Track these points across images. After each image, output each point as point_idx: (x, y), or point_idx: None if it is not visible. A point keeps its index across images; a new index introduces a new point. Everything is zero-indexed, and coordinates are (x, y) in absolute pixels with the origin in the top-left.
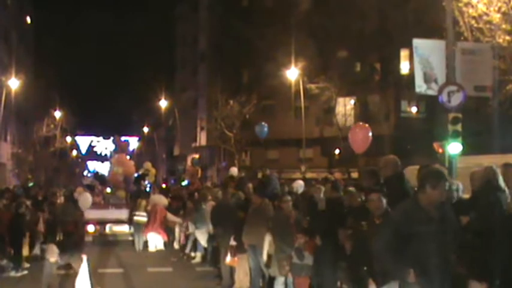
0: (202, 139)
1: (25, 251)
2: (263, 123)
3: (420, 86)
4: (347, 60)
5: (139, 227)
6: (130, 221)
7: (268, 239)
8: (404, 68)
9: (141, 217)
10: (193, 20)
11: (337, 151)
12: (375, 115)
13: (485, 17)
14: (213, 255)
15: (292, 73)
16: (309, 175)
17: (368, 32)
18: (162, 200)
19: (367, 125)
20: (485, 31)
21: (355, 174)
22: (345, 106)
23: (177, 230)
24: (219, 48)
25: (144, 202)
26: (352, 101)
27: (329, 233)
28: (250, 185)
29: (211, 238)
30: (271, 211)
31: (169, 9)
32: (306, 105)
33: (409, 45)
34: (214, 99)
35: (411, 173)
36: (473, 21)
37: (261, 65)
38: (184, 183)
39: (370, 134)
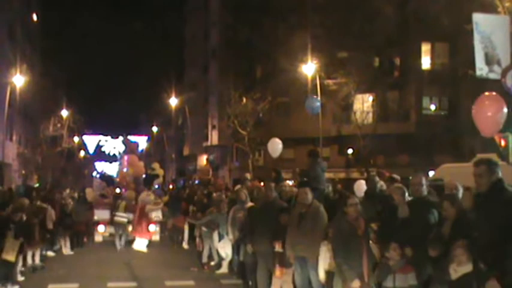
0: (213, 138)
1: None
2: (314, 96)
3: (481, 69)
4: (365, 55)
5: (119, 227)
6: (111, 221)
7: (324, 251)
8: (425, 63)
9: (120, 217)
10: (203, 16)
11: (350, 150)
12: (394, 112)
13: None
14: (241, 266)
15: (309, 68)
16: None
17: (387, 25)
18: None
19: (494, 93)
20: None
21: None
22: (363, 103)
23: (186, 230)
24: (231, 43)
25: (123, 203)
26: (371, 98)
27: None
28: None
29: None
30: (326, 215)
31: (178, 6)
32: (322, 102)
33: (430, 39)
34: (226, 97)
35: (446, 171)
36: None
37: (276, 60)
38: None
39: (505, 109)
